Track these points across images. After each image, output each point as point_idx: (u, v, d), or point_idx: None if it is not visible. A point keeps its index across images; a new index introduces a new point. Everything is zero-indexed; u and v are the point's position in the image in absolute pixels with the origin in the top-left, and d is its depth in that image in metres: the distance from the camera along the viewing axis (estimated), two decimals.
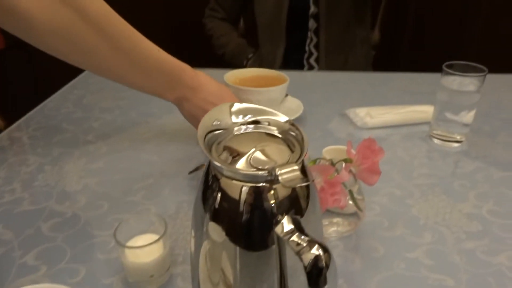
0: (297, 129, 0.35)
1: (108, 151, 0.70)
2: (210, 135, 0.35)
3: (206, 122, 0.35)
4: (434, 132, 0.73)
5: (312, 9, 1.09)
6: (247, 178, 0.31)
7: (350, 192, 0.51)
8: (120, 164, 0.66)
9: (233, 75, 0.76)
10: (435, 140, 0.72)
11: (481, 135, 0.74)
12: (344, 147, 0.56)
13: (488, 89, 0.89)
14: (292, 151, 0.34)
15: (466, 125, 0.70)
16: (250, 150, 0.33)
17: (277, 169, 0.31)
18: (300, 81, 0.84)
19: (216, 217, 0.33)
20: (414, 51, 1.40)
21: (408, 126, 0.77)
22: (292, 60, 1.16)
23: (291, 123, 0.36)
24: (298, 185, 0.30)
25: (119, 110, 0.83)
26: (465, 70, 0.68)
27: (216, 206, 0.32)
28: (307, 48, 1.13)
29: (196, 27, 1.29)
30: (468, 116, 0.70)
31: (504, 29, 1.34)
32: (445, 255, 0.50)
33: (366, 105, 0.81)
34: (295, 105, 0.78)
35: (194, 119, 0.57)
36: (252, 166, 0.32)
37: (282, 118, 0.37)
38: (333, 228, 0.52)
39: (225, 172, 0.32)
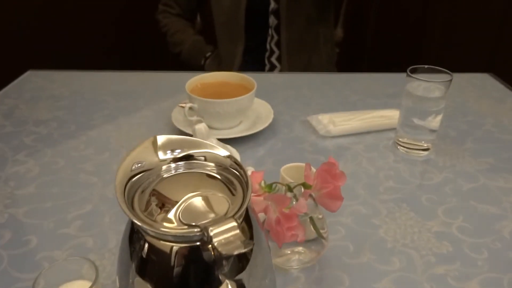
0: (240, 167, 0.30)
1: (40, 172, 0.62)
2: (131, 182, 0.30)
3: (125, 165, 0.30)
4: (400, 140, 0.70)
5: (272, 5, 1.05)
6: (176, 239, 0.27)
7: (311, 219, 0.47)
8: (54, 188, 0.59)
9: (194, 82, 0.74)
10: (401, 149, 0.69)
11: (448, 142, 0.72)
12: (303, 166, 0.52)
13: (453, 89, 0.87)
14: (233, 194, 0.30)
15: (433, 131, 0.68)
16: (181, 198, 0.29)
17: (210, 228, 0.26)
18: (262, 84, 0.80)
19: (143, 274, 0.29)
20: (378, 49, 1.38)
21: (373, 133, 0.74)
22: (253, 59, 1.12)
23: (233, 159, 0.31)
24: (237, 252, 0.24)
25: (56, 122, 0.75)
26: (430, 72, 0.65)
27: (143, 264, 0.28)
28: (268, 46, 1.09)
29: (149, 24, 1.21)
30: (435, 122, 0.67)
31: (462, 24, 1.34)
32: (415, 284, 0.46)
33: (329, 110, 0.78)
34: (264, 110, 0.76)
35: None
36: (183, 223, 0.28)
37: (221, 152, 0.32)
38: (295, 257, 0.48)
39: (150, 232, 0.27)
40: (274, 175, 0.51)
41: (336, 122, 0.73)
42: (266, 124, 0.71)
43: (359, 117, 0.74)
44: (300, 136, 0.73)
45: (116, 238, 0.51)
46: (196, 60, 1.16)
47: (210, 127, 0.69)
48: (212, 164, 0.32)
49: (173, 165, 0.32)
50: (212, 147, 0.32)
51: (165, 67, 0.94)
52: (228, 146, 0.60)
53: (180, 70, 0.96)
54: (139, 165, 0.31)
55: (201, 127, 0.55)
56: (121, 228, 0.53)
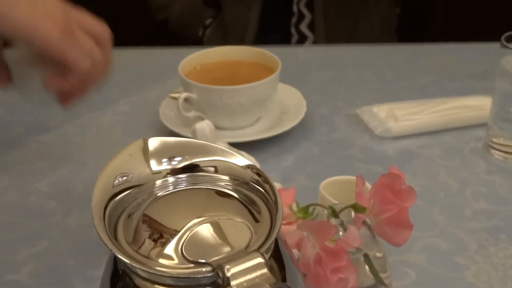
0: (266, 181, 0.32)
1: None
2: (113, 202, 0.32)
3: (105, 180, 0.32)
4: (494, 140, 0.70)
5: None
6: (178, 282, 0.28)
7: (366, 258, 0.48)
8: None
9: (190, 63, 0.76)
10: (496, 154, 0.69)
11: None
12: (353, 180, 0.52)
13: None
14: (256, 220, 0.31)
15: None
16: (184, 225, 0.30)
17: (226, 267, 0.27)
18: (288, 62, 0.80)
19: None
20: (456, 9, 1.37)
21: (453, 132, 0.74)
22: (274, 26, 1.13)
23: (256, 170, 0.33)
24: None
25: None
26: None
27: None
28: (295, 8, 1.10)
29: None
30: None
31: None
32: None
33: (388, 99, 0.78)
34: (293, 100, 0.77)
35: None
36: (187, 259, 0.29)
37: (239, 160, 0.33)
38: None
39: (141, 273, 0.29)
40: (310, 193, 0.52)
41: (399, 116, 0.73)
42: (296, 121, 0.72)
43: (432, 109, 0.75)
44: (346, 137, 0.73)
45: (83, 287, 0.53)
46: (191, 30, 1.18)
47: (216, 127, 0.71)
48: (226, 178, 0.33)
49: (171, 179, 0.33)
50: (225, 153, 0.33)
51: (149, 41, 0.96)
52: (243, 154, 0.61)
53: (170, 45, 0.97)
54: (124, 178, 0.32)
55: (204, 126, 0.56)
56: (92, 274, 0.55)
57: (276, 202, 0.31)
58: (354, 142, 0.72)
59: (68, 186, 0.66)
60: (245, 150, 0.66)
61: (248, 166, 0.33)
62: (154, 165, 0.34)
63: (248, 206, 0.32)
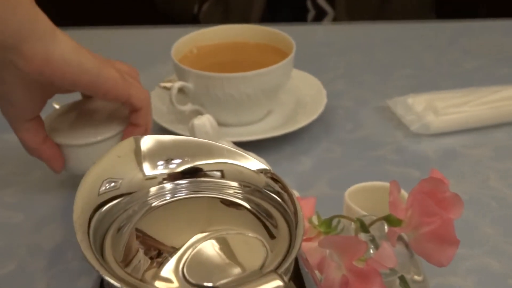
0: (284, 189, 0.32)
1: None
2: (99, 214, 0.32)
3: (89, 186, 0.32)
4: None
5: None
6: None
7: (403, 281, 0.48)
8: None
9: (185, 46, 0.76)
10: None
11: None
12: (385, 186, 0.53)
13: None
14: (271, 235, 0.31)
15: None
16: (185, 241, 0.31)
17: None
18: (303, 43, 0.80)
19: None
20: None
21: (505, 128, 0.74)
22: (285, 1, 1.13)
23: (271, 175, 0.33)
24: None
25: None
26: None
27: None
28: None
29: None
30: None
31: None
32: None
33: (426, 88, 0.79)
34: (310, 90, 0.78)
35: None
36: (189, 282, 0.29)
37: (251, 162, 0.34)
38: None
39: None
40: (332, 203, 0.53)
41: (440, 109, 0.74)
42: (315, 116, 0.73)
43: (480, 99, 0.75)
44: (375, 134, 0.74)
45: None
46: (184, 4, 1.18)
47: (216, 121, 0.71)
48: (235, 184, 0.33)
49: (168, 185, 0.33)
50: (234, 154, 0.34)
51: (135, 19, 0.96)
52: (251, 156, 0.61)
53: (161, 23, 0.98)
54: (112, 185, 0.33)
55: (205, 122, 0.57)
56: None
57: (295, 214, 0.31)
58: (385, 140, 0.73)
59: (38, 194, 0.66)
60: (253, 151, 0.66)
61: (261, 171, 0.33)
62: (147, 169, 0.34)
63: (262, 218, 0.32)
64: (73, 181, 0.67)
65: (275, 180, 0.33)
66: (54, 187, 0.67)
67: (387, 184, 0.54)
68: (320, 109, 0.73)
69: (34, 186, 0.68)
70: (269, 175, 0.33)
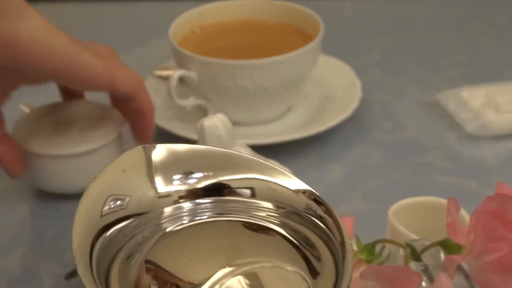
0: (329, 213, 0.33)
1: None
2: (103, 239, 0.33)
3: (90, 205, 0.33)
4: None
5: None
6: None
7: None
8: None
9: (186, 24, 0.77)
10: None
11: None
12: (438, 203, 0.54)
13: None
14: (313, 269, 0.32)
15: None
16: (208, 275, 0.32)
17: None
18: (331, 21, 0.80)
19: None
20: None
21: None
22: None
23: (313, 196, 0.34)
24: None
25: None
26: None
27: None
28: None
29: None
30: None
31: None
32: None
33: (484, 79, 0.79)
34: (340, 81, 0.78)
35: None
36: None
37: (289, 180, 0.35)
38: None
39: None
40: (371, 223, 0.54)
41: (502, 105, 0.74)
42: (347, 113, 0.73)
43: None
44: (422, 135, 0.74)
45: None
46: None
47: None
48: (269, 205, 0.34)
49: (186, 205, 0.34)
50: (267, 168, 0.34)
51: None
52: (272, 163, 0.62)
53: None
54: (118, 204, 0.33)
55: (218, 123, 0.57)
56: None
57: (342, 244, 0.32)
58: (434, 144, 0.73)
59: (7, 209, 0.67)
60: (269, 156, 0.67)
61: (301, 190, 0.34)
62: (160, 185, 0.35)
63: (302, 248, 0.33)
64: (47, 195, 0.68)
65: (318, 202, 0.33)
66: (27, 199, 0.68)
67: (441, 200, 0.55)
68: (353, 104, 0.74)
69: (1, 198, 0.69)
70: (311, 196, 0.34)
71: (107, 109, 0.67)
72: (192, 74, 0.71)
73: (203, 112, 0.73)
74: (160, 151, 0.35)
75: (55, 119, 0.66)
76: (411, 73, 0.84)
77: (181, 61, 0.72)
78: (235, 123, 0.72)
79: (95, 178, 0.34)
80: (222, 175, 0.35)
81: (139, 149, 0.35)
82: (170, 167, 0.35)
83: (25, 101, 0.72)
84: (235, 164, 0.35)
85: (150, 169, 0.35)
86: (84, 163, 0.64)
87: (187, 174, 0.35)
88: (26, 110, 0.69)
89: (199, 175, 0.35)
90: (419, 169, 0.70)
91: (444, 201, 0.53)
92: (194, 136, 0.68)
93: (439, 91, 0.78)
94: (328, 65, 0.79)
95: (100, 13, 0.97)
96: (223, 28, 0.78)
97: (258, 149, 0.67)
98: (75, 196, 0.64)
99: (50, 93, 0.72)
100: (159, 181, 0.35)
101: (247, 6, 0.78)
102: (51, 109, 0.68)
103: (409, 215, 0.55)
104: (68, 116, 0.66)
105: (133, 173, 0.35)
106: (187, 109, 0.72)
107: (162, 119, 0.73)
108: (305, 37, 0.73)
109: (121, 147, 0.66)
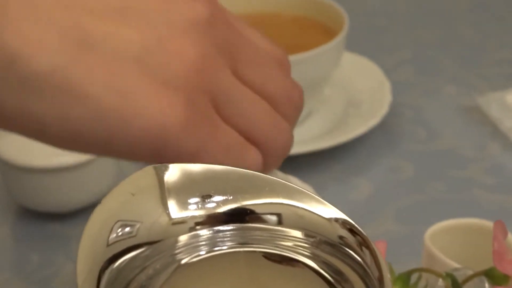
0: (367, 245, 0.34)
1: None
2: (110, 271, 0.33)
3: (96, 232, 0.33)
4: None
5: None
6: None
7: None
8: None
9: None
10: None
11: None
12: (482, 225, 0.55)
13: None
14: None
15: None
16: None
17: None
18: (354, 13, 0.81)
19: None
20: None
21: None
22: None
23: (348, 225, 0.34)
24: None
25: None
26: None
27: None
28: None
29: None
30: None
31: None
32: None
33: None
34: (367, 82, 0.79)
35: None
36: None
37: (321, 207, 0.35)
38: None
39: None
40: (405, 247, 0.56)
41: None
42: (375, 121, 0.74)
43: None
44: (460, 146, 0.75)
45: None
46: None
47: None
48: (298, 234, 0.34)
49: (204, 232, 0.35)
50: (295, 192, 0.35)
51: None
52: (291, 180, 0.63)
53: None
54: (127, 231, 0.34)
55: None
56: None
57: (381, 280, 0.32)
58: (474, 155, 0.74)
59: None
60: (286, 169, 0.68)
61: (334, 218, 0.34)
62: (174, 210, 0.35)
63: (334, 283, 0.33)
64: (31, 213, 0.69)
65: (353, 232, 0.34)
66: (3, 220, 0.70)
67: (485, 223, 0.55)
68: (382, 110, 0.74)
69: None
70: (346, 225, 0.34)
71: None
72: None
73: None
74: (174, 172, 0.35)
75: None
76: (448, 72, 0.85)
77: None
78: None
79: (100, 203, 0.34)
80: (244, 199, 0.35)
81: (149, 169, 0.35)
82: (185, 189, 0.35)
83: None
84: (258, 186, 0.35)
85: (163, 192, 0.35)
86: (74, 177, 0.65)
87: (204, 197, 0.35)
88: None
89: (217, 198, 0.35)
90: (457, 184, 0.70)
91: (488, 223, 0.54)
92: None
93: (480, 94, 0.78)
94: (352, 64, 0.79)
95: None
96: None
97: None
98: (64, 215, 0.67)
99: None
100: (172, 205, 0.35)
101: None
102: None
103: (448, 240, 0.56)
104: None
105: (144, 196, 0.35)
106: None
107: None
108: (327, 32, 0.74)
109: (117, 163, 0.68)
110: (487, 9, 0.95)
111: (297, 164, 0.71)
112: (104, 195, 0.65)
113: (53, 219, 0.68)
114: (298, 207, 0.36)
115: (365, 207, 0.69)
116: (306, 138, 0.74)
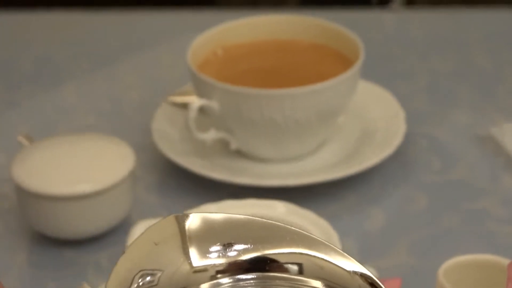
0: None
1: None
2: None
3: (118, 281, 0.34)
4: None
5: None
6: None
7: None
8: None
9: (208, 43, 0.78)
10: None
11: None
12: (498, 263, 0.55)
13: None
14: None
15: None
16: None
17: None
18: (366, 38, 0.80)
19: None
20: None
21: None
22: None
23: (370, 279, 0.35)
24: None
25: None
26: None
27: None
28: None
29: None
30: None
31: None
32: None
33: None
34: (380, 110, 0.79)
35: None
36: None
37: (342, 260, 0.36)
38: None
39: None
40: (418, 281, 0.56)
41: None
42: (389, 150, 0.74)
43: None
44: (474, 177, 0.75)
45: None
46: None
47: (251, 155, 0.73)
48: (318, 284, 0.35)
49: (225, 281, 0.35)
50: (317, 244, 0.35)
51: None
52: (308, 216, 0.63)
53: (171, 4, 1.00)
54: (148, 279, 0.34)
55: None
56: None
57: None
58: (488, 187, 0.74)
59: (1, 255, 0.69)
60: (300, 199, 0.68)
61: (355, 271, 0.35)
62: (196, 258, 0.35)
63: None
64: (48, 240, 0.69)
65: (373, 285, 0.34)
66: (20, 247, 0.70)
67: (499, 260, 0.55)
68: (397, 139, 0.75)
69: None
70: (368, 278, 0.34)
71: (116, 142, 0.69)
72: (214, 104, 0.72)
73: (224, 145, 0.75)
74: (195, 221, 0.36)
75: (58, 154, 0.68)
76: (461, 102, 0.85)
77: (201, 89, 0.73)
78: (260, 159, 0.75)
79: (124, 252, 0.35)
80: (265, 248, 0.36)
81: (171, 219, 0.36)
82: (206, 238, 0.36)
83: (24, 132, 0.74)
84: (279, 236, 0.36)
85: (184, 241, 0.35)
86: (91, 205, 0.66)
87: (225, 246, 0.36)
88: (26, 143, 0.71)
89: (239, 247, 0.36)
90: (471, 216, 0.71)
91: (502, 260, 0.54)
92: (214, 175, 0.71)
93: (494, 123, 0.79)
94: (367, 92, 0.80)
95: (105, 23, 0.98)
96: (249, 49, 0.79)
97: (287, 190, 0.68)
98: (80, 242, 0.67)
99: (51, 123, 0.75)
100: (194, 254, 0.35)
101: (277, 23, 0.80)
102: (54, 143, 0.70)
103: (461, 276, 0.56)
104: (73, 151, 0.69)
105: (166, 246, 0.35)
106: (207, 144, 0.74)
107: (178, 154, 0.74)
108: (344, 61, 0.75)
109: (133, 187, 0.69)
110: (502, 38, 0.95)
111: (312, 193, 0.71)
112: (119, 222, 0.67)
113: (69, 245, 0.68)
114: (318, 257, 0.36)
115: (378, 238, 0.69)
116: (321, 167, 0.75)
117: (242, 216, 0.37)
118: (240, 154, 0.76)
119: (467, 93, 0.86)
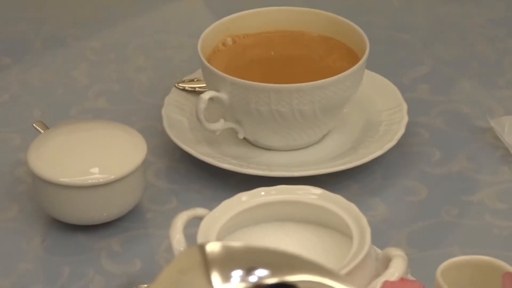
0: None
1: None
2: None
3: None
4: None
5: None
6: None
7: None
8: None
9: (217, 32, 0.80)
10: None
11: None
12: (495, 265, 0.56)
13: None
14: None
15: None
16: None
17: None
18: (368, 25, 0.82)
19: None
20: None
21: None
22: None
23: None
24: None
25: None
26: None
27: None
28: None
29: None
30: None
31: None
32: None
33: None
34: (383, 101, 0.81)
35: None
36: None
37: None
38: None
39: None
40: (415, 271, 0.57)
41: None
42: (392, 142, 0.75)
43: None
44: (474, 168, 0.76)
45: None
46: None
47: (256, 144, 0.76)
48: None
49: None
50: (333, 276, 0.37)
51: None
52: (333, 197, 0.64)
53: None
54: None
55: None
56: None
57: None
58: (487, 179, 0.75)
59: (16, 240, 0.71)
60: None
61: None
62: (218, 284, 0.37)
63: None
64: (62, 224, 0.72)
65: None
66: (35, 231, 0.72)
67: (496, 261, 0.56)
68: (399, 131, 0.76)
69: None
70: None
71: (130, 131, 0.71)
72: (223, 95, 0.74)
73: (233, 133, 0.77)
74: (215, 249, 0.37)
75: (72, 142, 0.71)
76: (464, 92, 0.85)
77: (210, 80, 0.75)
78: (265, 148, 0.77)
79: (153, 281, 0.37)
80: (284, 275, 0.37)
81: (193, 249, 0.37)
82: (227, 265, 0.37)
83: (39, 119, 0.76)
84: (297, 265, 0.38)
85: (208, 270, 0.37)
86: (104, 194, 0.69)
87: (250, 269, 0.37)
88: (41, 130, 0.74)
89: (259, 272, 0.37)
90: (470, 208, 0.72)
91: (498, 262, 0.55)
92: (224, 165, 0.73)
93: (493, 115, 0.79)
94: (370, 83, 0.81)
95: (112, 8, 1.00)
96: (258, 39, 0.80)
97: (291, 180, 0.70)
98: (94, 227, 0.70)
99: (64, 108, 0.76)
100: (216, 279, 0.36)
101: (286, 14, 0.81)
102: (68, 130, 0.72)
103: (460, 276, 0.56)
104: (86, 139, 0.71)
105: (191, 275, 0.37)
106: (216, 133, 0.76)
107: (189, 143, 0.76)
108: (350, 54, 0.77)
109: (144, 177, 0.71)
110: (508, 24, 0.95)
111: (315, 183, 0.70)
112: (131, 208, 0.69)
113: (82, 230, 0.70)
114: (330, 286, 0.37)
115: (379, 230, 0.69)
116: (324, 158, 0.77)
117: (260, 246, 0.39)
118: (247, 142, 0.78)
119: (471, 83, 0.87)
